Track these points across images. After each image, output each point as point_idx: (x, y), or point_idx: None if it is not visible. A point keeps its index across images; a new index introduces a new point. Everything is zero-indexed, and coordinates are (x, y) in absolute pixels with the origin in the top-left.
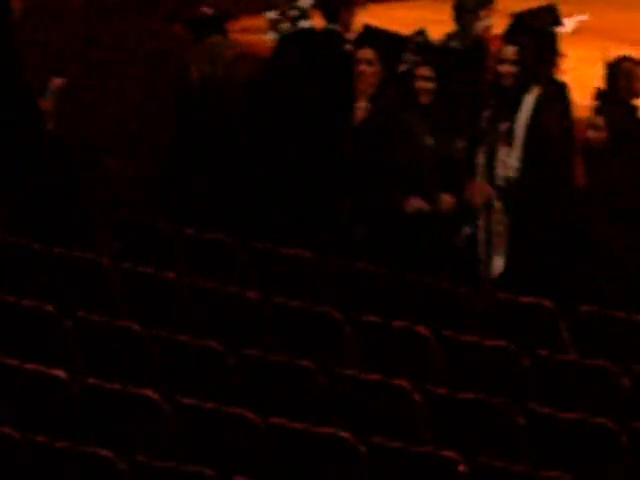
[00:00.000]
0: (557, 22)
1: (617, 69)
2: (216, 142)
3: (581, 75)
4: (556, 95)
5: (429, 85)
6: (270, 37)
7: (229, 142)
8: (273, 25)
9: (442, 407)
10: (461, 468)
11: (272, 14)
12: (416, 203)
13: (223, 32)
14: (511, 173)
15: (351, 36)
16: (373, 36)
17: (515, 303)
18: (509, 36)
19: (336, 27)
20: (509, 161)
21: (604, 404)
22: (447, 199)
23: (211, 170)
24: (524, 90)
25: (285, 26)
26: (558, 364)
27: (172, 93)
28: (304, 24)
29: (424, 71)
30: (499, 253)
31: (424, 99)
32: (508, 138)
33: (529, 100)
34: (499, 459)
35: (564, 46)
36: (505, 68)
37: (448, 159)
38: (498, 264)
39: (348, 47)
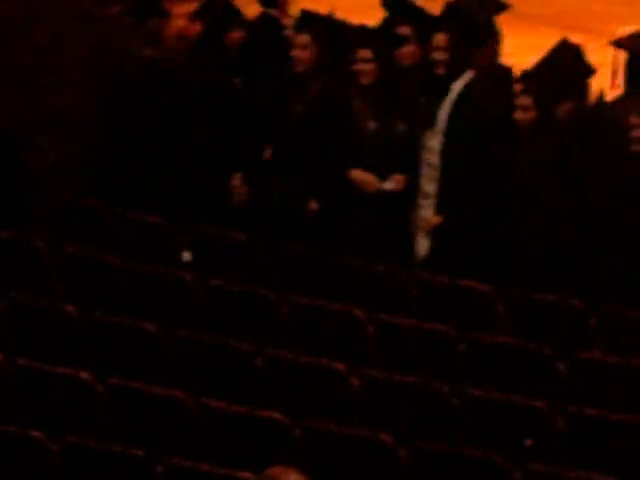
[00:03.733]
0: (497, 8)
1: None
2: (155, 125)
3: (520, 62)
4: (494, 80)
5: (369, 67)
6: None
7: (168, 125)
8: None
9: (378, 390)
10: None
11: None
12: (367, 177)
13: (163, 15)
14: (433, 157)
15: (289, 21)
16: (310, 21)
17: (452, 286)
18: (441, 24)
19: (273, 12)
20: (432, 145)
21: (540, 388)
22: (398, 178)
23: (151, 153)
24: (455, 76)
25: None
26: (494, 347)
27: (112, 77)
28: None
29: (363, 53)
30: (424, 236)
31: (365, 80)
32: (432, 122)
33: (457, 85)
34: (435, 442)
35: (506, 32)
36: (437, 55)
37: (391, 142)
38: (423, 246)
39: (287, 32)
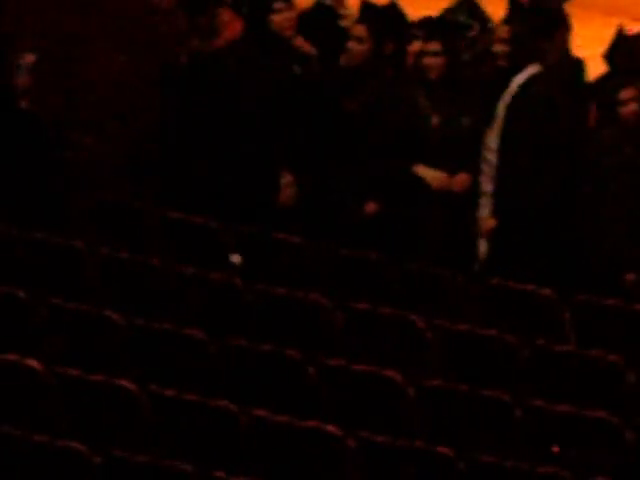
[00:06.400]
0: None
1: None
2: (204, 122)
3: (589, 55)
4: (561, 74)
5: (438, 61)
6: None
7: (219, 122)
8: None
9: (436, 400)
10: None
11: None
12: (432, 172)
13: (221, 5)
14: (490, 155)
15: (345, 11)
16: (370, 12)
17: (512, 290)
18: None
19: (329, 2)
20: (489, 142)
21: (605, 397)
22: (463, 177)
23: (198, 149)
24: (518, 69)
25: None
26: (558, 355)
27: (158, 69)
28: None
29: (433, 46)
30: (483, 238)
31: (433, 75)
32: (490, 118)
33: (518, 79)
34: (495, 455)
35: (574, 24)
36: (499, 47)
37: (455, 139)
38: (482, 249)
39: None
